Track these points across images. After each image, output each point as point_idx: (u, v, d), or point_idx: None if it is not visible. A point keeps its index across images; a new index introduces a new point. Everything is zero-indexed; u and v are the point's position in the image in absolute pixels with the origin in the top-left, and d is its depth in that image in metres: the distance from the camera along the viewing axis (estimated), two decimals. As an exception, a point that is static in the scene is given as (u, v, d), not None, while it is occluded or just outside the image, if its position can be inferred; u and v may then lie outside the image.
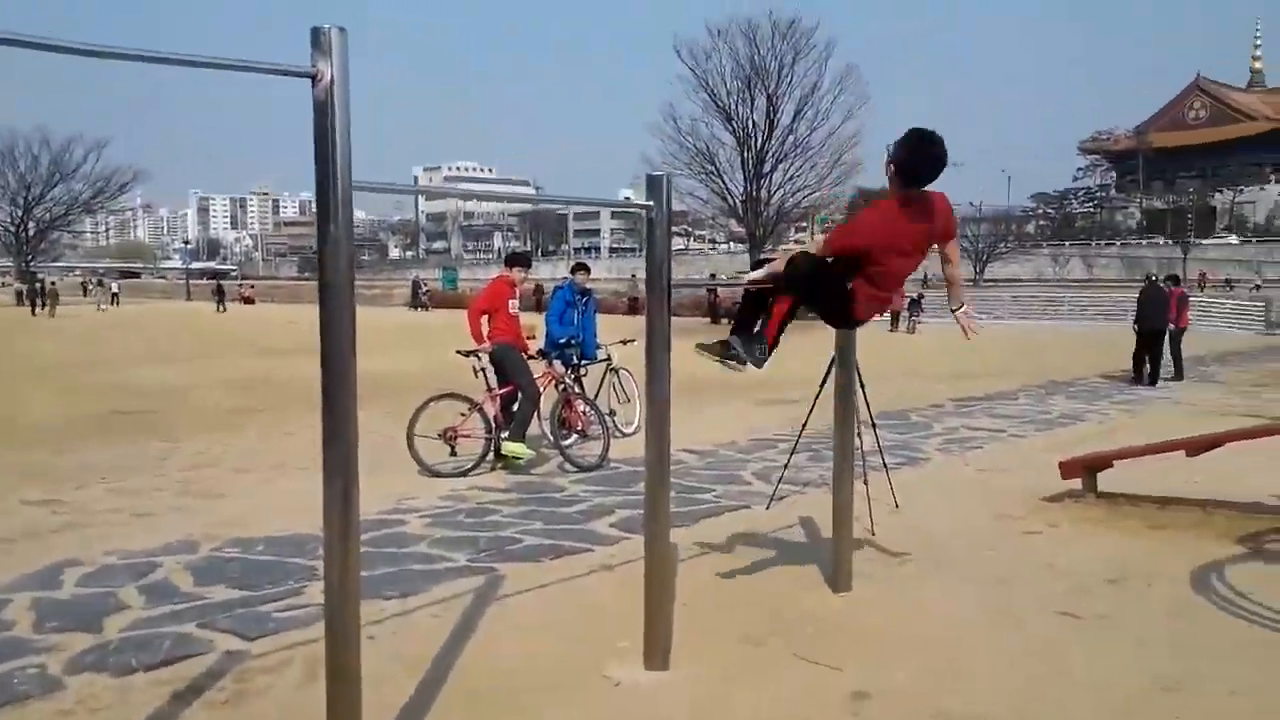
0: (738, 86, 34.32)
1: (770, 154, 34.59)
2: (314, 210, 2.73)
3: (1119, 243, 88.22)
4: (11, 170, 68.10)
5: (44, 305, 42.85)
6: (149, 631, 4.45)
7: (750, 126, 34.57)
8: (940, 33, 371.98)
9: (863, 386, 5.52)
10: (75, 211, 73.20)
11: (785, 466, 7.11)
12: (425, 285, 54.39)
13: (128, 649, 4.24)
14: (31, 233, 69.67)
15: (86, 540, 6.03)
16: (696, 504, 6.99)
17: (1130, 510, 6.67)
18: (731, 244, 73.52)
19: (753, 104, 34.49)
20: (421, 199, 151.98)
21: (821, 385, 6.08)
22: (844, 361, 5.03)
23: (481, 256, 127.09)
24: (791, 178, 35.05)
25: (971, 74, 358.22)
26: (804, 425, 6.83)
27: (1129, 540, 6.04)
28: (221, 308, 47.11)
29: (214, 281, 60.36)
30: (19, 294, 52.69)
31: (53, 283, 50.32)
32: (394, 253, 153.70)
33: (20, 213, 68.77)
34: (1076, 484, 7.07)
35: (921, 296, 35.56)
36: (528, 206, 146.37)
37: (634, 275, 47.60)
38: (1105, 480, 7.06)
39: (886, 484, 6.81)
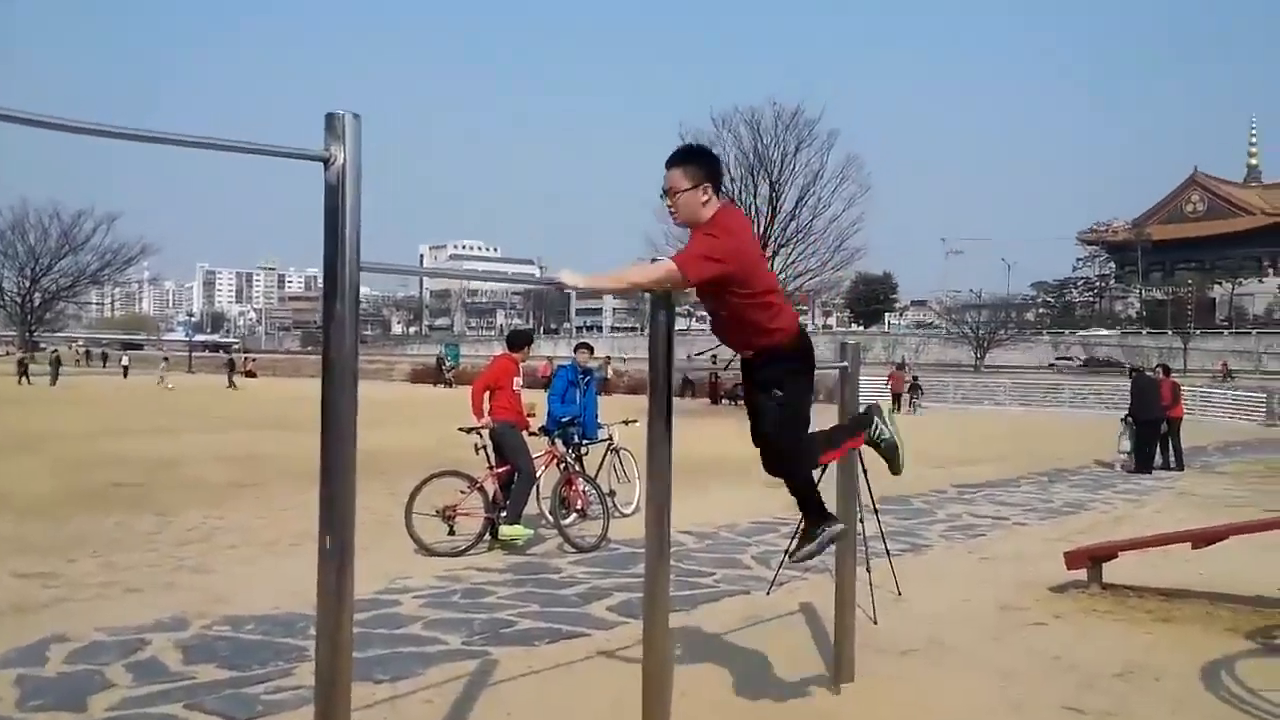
0: (741, 174, 34.83)
1: (773, 239, 34.92)
2: (319, 285, 2.76)
3: (1120, 331, 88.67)
4: (21, 241, 68.81)
5: (54, 376, 42.75)
6: (135, 712, 4.34)
7: (753, 212, 35.00)
8: (939, 120, 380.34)
9: (864, 470, 5.48)
10: (82, 283, 73.74)
11: (786, 552, 7.02)
12: (448, 361, 53.86)
13: (111, 730, 4.13)
14: (37, 303, 70.12)
15: (76, 614, 5.93)
16: (696, 588, 6.88)
17: (1136, 603, 6.56)
18: (732, 325, 73.73)
19: (755, 190, 34.97)
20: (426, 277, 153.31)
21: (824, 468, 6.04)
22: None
23: (485, 334, 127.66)
24: (794, 261, 35.34)
25: (970, 162, 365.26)
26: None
27: (1136, 633, 5.93)
28: (232, 384, 44.05)
29: (225, 355, 59.37)
30: (20, 364, 50.90)
31: (54, 351, 50.34)
32: (396, 328, 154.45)
33: (28, 283, 69.31)
34: (1082, 574, 6.98)
35: (917, 379, 36.09)
36: (533, 286, 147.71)
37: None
38: (1111, 571, 6.96)
39: (889, 571, 6.72)
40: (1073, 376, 53.34)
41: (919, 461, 15.78)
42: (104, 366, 64.26)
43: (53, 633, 5.49)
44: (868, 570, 6.16)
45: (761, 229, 34.81)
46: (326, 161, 2.52)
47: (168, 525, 9.23)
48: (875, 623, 5.92)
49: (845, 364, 5.00)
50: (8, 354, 73.33)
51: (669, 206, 3.66)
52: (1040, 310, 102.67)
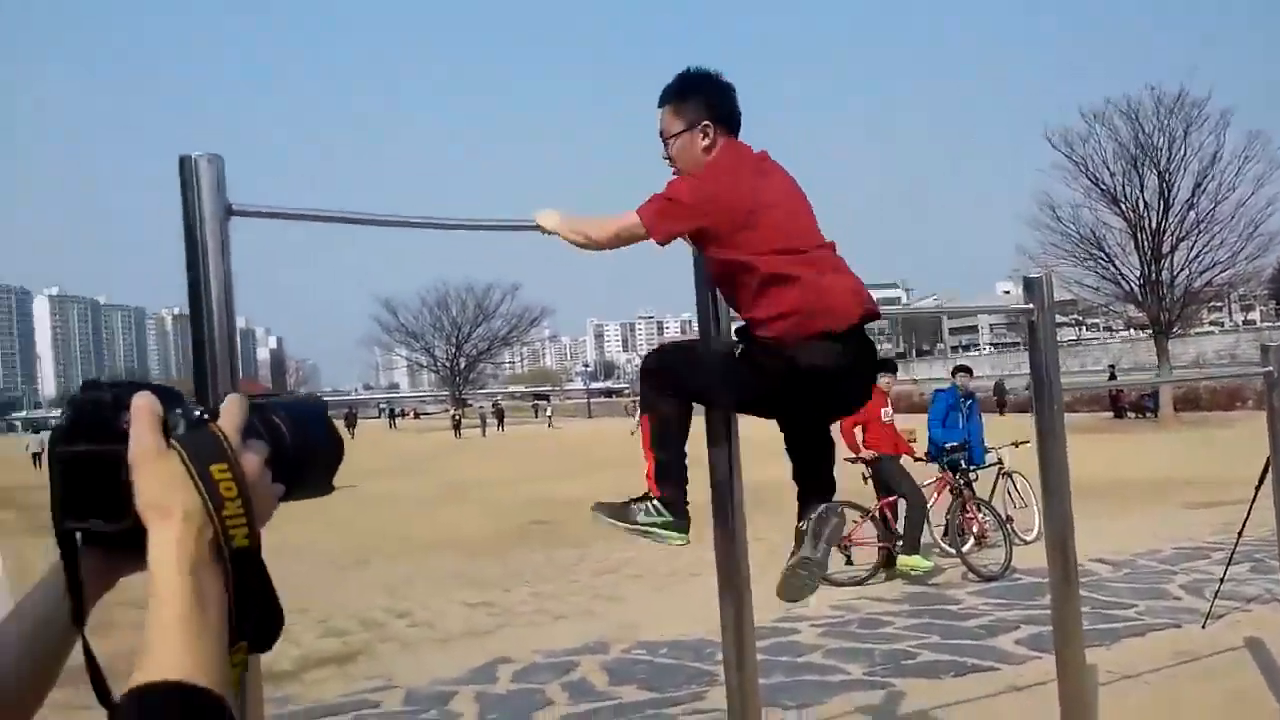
0: (1122, 167, 31.68)
1: (1169, 233, 31.33)
2: (693, 328, 2.99)
3: None
4: (445, 315, 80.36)
5: (499, 425, 51.92)
6: (572, 728, 4.83)
7: (1141, 207, 31.64)
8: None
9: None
10: (496, 345, 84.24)
11: (1222, 579, 6.25)
12: None
13: (555, 743, 4.63)
14: (463, 366, 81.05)
15: (516, 639, 6.72)
16: (1115, 620, 6.33)
17: None
18: (1132, 330, 67.10)
19: (1142, 183, 31.59)
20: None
21: (1259, 484, 5.35)
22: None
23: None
24: (1197, 255, 31.42)
25: None
26: (1241, 531, 6.00)
27: None
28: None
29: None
30: (454, 420, 57.22)
31: (482, 408, 58.20)
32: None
33: (454, 350, 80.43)
34: None
35: None
36: (901, 311, 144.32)
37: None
38: None
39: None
40: None
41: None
42: (535, 416, 72.10)
43: (499, 655, 6.24)
44: (1329, 600, 5.32)
45: (1154, 224, 31.42)
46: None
47: (583, 558, 10.13)
48: (1345, 662, 5.09)
49: (1270, 368, 4.39)
50: (445, 411, 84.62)
51: (665, 158, 2.68)
52: None
